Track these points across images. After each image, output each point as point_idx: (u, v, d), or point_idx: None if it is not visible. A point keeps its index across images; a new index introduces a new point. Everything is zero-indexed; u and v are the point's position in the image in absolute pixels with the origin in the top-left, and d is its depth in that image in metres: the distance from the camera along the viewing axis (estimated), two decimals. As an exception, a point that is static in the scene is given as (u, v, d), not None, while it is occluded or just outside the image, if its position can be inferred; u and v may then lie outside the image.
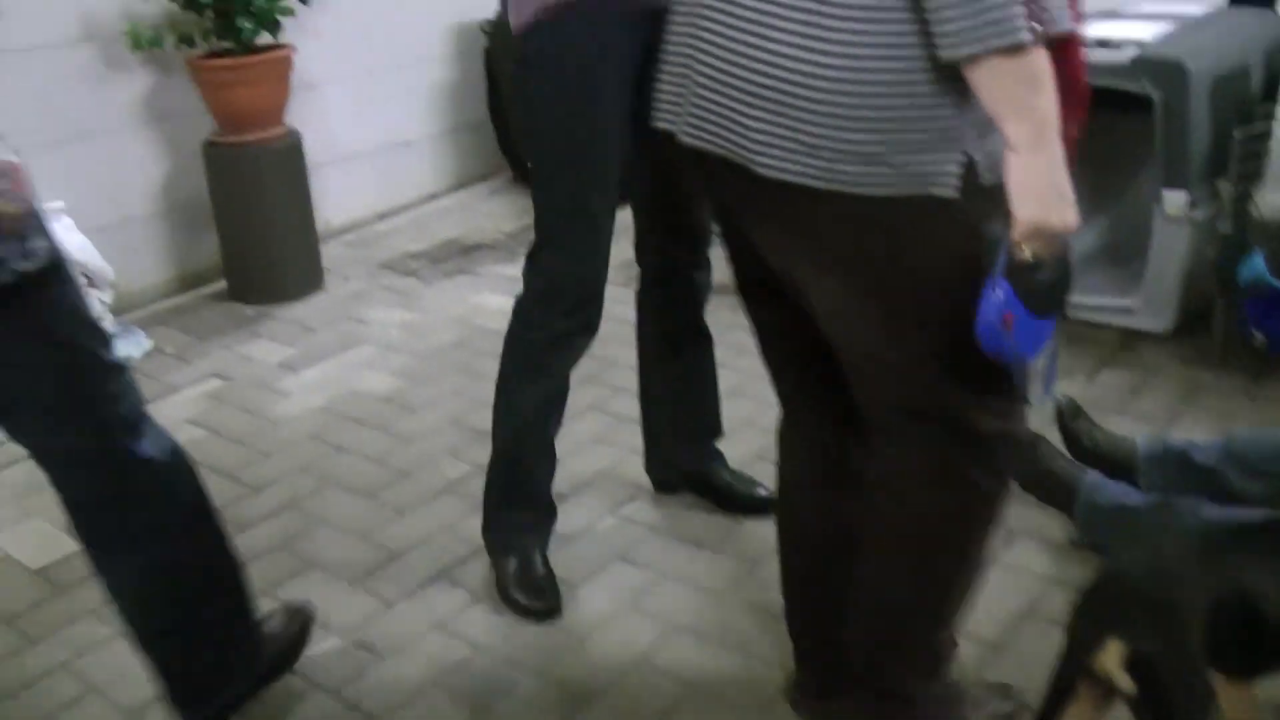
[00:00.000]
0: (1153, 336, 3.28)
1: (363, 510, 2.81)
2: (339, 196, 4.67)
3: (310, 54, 4.18)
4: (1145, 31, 3.28)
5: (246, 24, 3.84)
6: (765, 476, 2.68)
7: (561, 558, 2.50)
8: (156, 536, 1.87)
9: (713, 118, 1.49)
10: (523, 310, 2.32)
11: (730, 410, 2.73)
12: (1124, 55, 3.11)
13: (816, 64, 1.36)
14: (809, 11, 1.36)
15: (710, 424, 2.69)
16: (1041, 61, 1.30)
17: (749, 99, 1.43)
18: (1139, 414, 2.98)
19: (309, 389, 3.46)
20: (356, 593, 2.49)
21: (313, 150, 4.19)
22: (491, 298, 3.96)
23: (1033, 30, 1.27)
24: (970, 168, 1.38)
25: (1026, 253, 1.37)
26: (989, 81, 1.30)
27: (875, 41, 1.34)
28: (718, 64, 1.47)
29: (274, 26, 3.93)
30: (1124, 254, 3.49)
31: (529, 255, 2.28)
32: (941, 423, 1.59)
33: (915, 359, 1.55)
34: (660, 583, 2.46)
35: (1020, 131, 1.32)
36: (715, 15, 1.47)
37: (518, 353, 2.36)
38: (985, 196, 1.38)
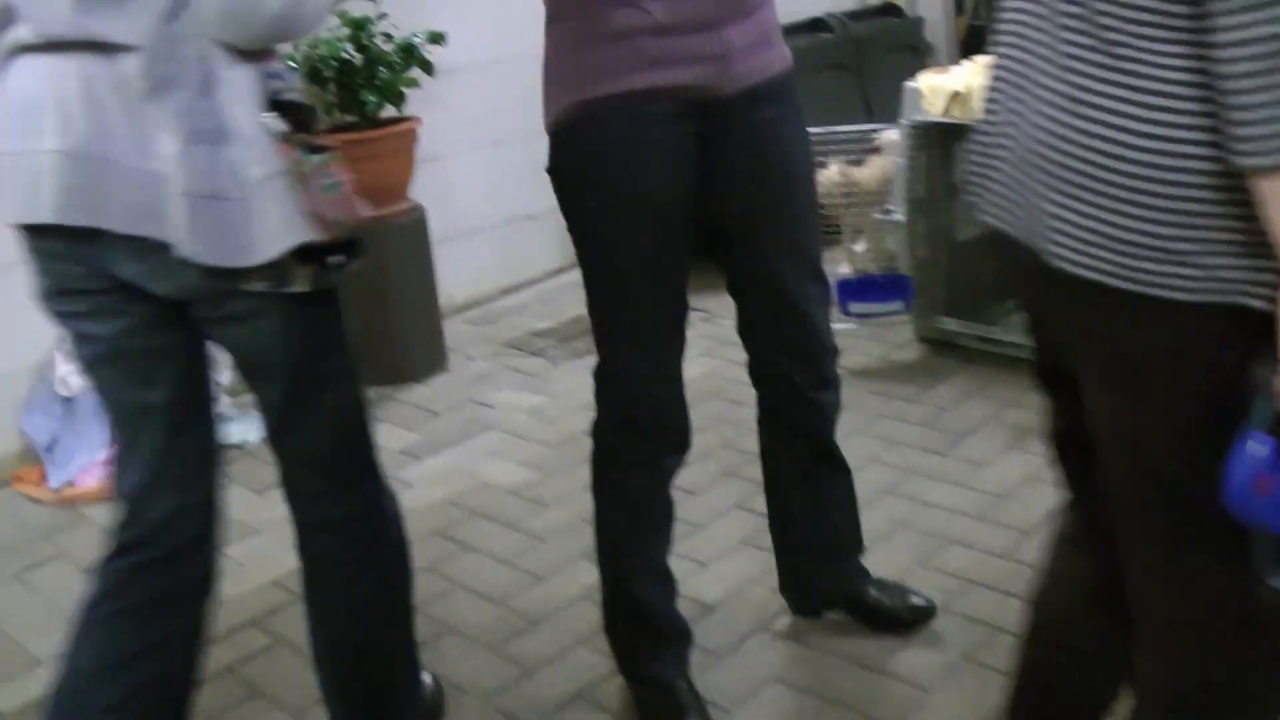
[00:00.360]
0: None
1: (492, 619, 2.61)
2: (462, 272, 4.52)
3: (434, 126, 4.05)
4: None
5: (371, 97, 3.74)
6: (924, 584, 2.46)
7: (710, 680, 2.28)
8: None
9: (1013, 197, 1.37)
10: (600, 437, 2.13)
11: (879, 512, 2.50)
12: None
13: (1127, 144, 1.21)
14: (1124, 87, 1.21)
15: (850, 541, 2.43)
16: None
17: (1050, 180, 1.29)
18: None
19: (433, 479, 3.29)
20: (486, 712, 2.28)
21: (436, 224, 4.05)
22: (622, 379, 3.75)
23: None
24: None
25: None
26: (1271, 204, 1.12)
27: (1195, 124, 1.16)
28: (1024, 140, 1.34)
29: (398, 99, 3.82)
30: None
31: (595, 376, 2.08)
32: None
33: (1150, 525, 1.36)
34: (823, 711, 2.21)
35: None
36: (1031, 88, 1.34)
37: (603, 482, 2.16)
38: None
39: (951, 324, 3.72)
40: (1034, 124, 1.32)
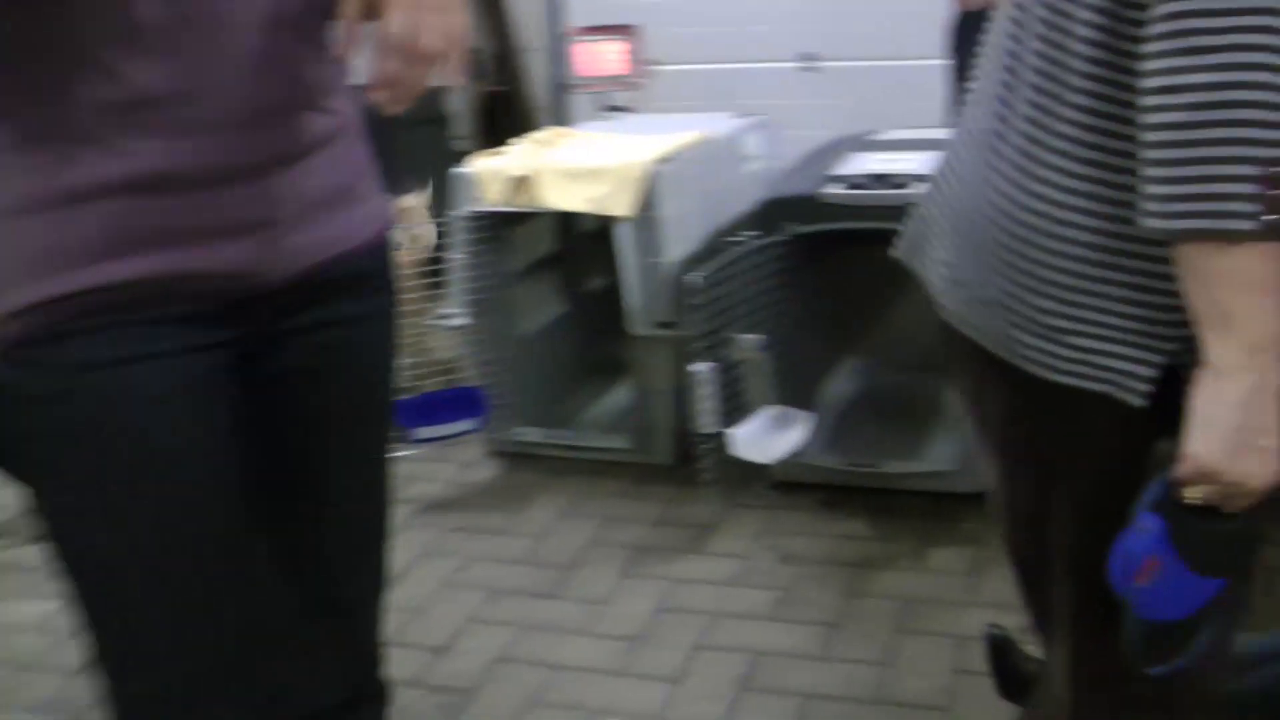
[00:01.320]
0: (965, 498, 2.87)
1: None
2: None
3: None
4: (912, 163, 2.89)
5: None
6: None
7: None
8: None
9: (923, 231, 1.31)
10: None
11: (503, 690, 2.02)
12: (912, 192, 2.69)
13: (1014, 202, 1.14)
14: (1030, 140, 1.12)
15: None
16: (1268, 263, 0.97)
17: (948, 223, 1.24)
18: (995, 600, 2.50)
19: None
20: None
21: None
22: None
23: (1261, 220, 0.94)
24: (1173, 376, 1.10)
25: (1192, 495, 1.07)
26: (1189, 272, 1.00)
27: (1087, 190, 1.09)
28: (945, 193, 1.26)
29: None
30: (918, 411, 3.11)
31: None
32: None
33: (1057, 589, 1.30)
34: None
35: (1219, 347, 1.01)
36: (956, 147, 1.26)
37: None
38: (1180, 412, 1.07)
39: (531, 433, 3.32)
40: (955, 176, 1.24)
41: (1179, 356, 1.10)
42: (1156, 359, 1.10)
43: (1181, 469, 1.06)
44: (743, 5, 5.10)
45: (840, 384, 3.23)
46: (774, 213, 2.85)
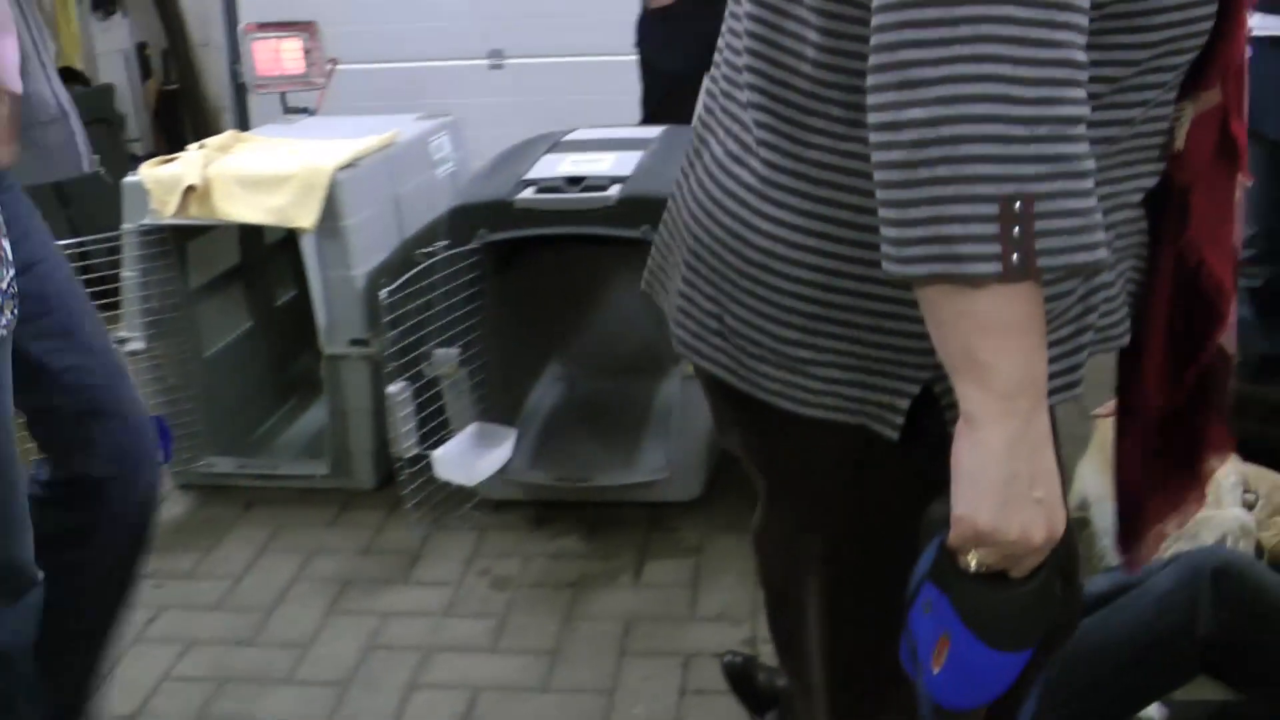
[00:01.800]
0: (681, 506, 2.83)
1: None
2: None
3: None
4: (606, 163, 2.83)
5: None
6: None
7: None
8: None
9: (660, 262, 1.24)
10: None
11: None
12: (608, 196, 2.63)
13: (750, 227, 1.06)
14: (766, 164, 1.05)
15: None
16: (1016, 305, 0.86)
17: (685, 250, 1.15)
18: (718, 613, 2.46)
19: None
20: None
21: None
22: None
23: (1007, 263, 0.83)
24: (929, 407, 1.03)
25: (972, 561, 0.94)
26: (932, 317, 0.90)
27: (822, 213, 1.01)
28: (677, 219, 1.19)
29: None
30: (627, 418, 3.05)
31: None
32: None
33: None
34: None
35: (972, 396, 0.89)
36: (689, 171, 1.17)
37: None
38: (945, 450, 0.94)
39: (222, 463, 3.08)
40: (690, 197, 1.15)
41: (934, 384, 1.02)
42: (910, 389, 1.03)
43: (954, 533, 0.93)
44: (427, 0, 4.95)
45: (544, 394, 3.14)
46: (465, 220, 2.72)
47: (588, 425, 3.03)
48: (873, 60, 0.86)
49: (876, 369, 1.03)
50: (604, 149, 2.96)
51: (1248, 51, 3.12)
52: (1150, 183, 1.06)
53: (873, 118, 0.87)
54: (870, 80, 0.86)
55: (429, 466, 2.65)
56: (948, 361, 0.90)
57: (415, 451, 2.65)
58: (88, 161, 1.71)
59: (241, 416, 3.21)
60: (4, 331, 1.46)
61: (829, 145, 1.00)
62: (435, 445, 2.65)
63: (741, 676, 2.13)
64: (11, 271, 1.47)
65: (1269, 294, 2.70)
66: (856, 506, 1.12)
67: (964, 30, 0.82)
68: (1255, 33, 2.80)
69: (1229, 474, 2.08)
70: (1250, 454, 2.26)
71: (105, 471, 1.78)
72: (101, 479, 1.79)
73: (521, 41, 4.92)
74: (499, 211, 2.69)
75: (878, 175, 0.87)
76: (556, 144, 3.08)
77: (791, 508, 1.18)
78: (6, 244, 1.46)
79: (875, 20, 0.86)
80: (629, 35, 3.97)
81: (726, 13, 1.13)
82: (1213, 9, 0.97)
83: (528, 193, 2.69)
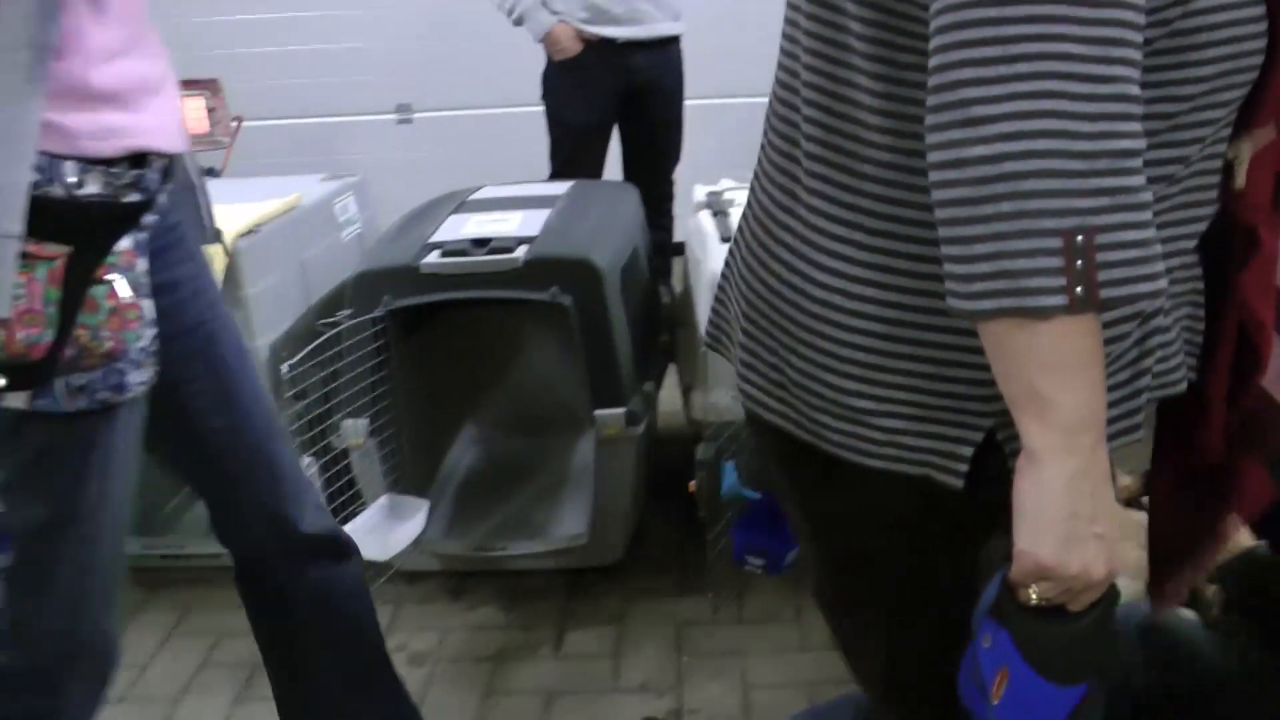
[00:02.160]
0: (602, 571, 2.77)
1: None
2: None
3: None
4: (513, 224, 2.77)
5: None
6: None
7: None
8: None
9: (721, 312, 1.27)
10: None
11: None
12: (515, 258, 2.57)
13: (806, 278, 1.07)
14: (817, 214, 1.06)
15: None
16: (1079, 339, 0.89)
17: (743, 301, 1.17)
18: (641, 683, 2.40)
19: None
20: None
21: None
22: None
23: (1072, 295, 0.86)
24: (992, 454, 1.04)
25: (1032, 595, 0.98)
26: (996, 353, 0.92)
27: (879, 263, 1.02)
28: (735, 271, 1.22)
29: None
30: (542, 481, 2.98)
31: None
32: None
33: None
34: None
35: (1034, 432, 0.92)
36: (746, 222, 1.20)
37: None
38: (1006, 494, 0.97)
39: (128, 544, 2.96)
40: (746, 250, 1.18)
41: (997, 432, 1.03)
42: (973, 436, 1.04)
43: (1015, 568, 0.97)
44: (332, 54, 4.88)
45: (459, 459, 3.06)
46: (370, 286, 2.65)
47: (504, 490, 2.96)
48: (932, 100, 0.88)
49: (938, 418, 1.04)
50: (510, 208, 2.90)
51: None
52: (1204, 226, 1.07)
53: (933, 156, 0.88)
54: (930, 120, 0.88)
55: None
56: (1011, 398, 0.92)
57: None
58: (212, 233, 1.75)
59: (148, 494, 3.10)
60: (144, 388, 1.50)
61: (883, 193, 1.02)
62: (346, 520, 2.57)
63: None
64: (153, 331, 1.51)
65: None
66: (919, 556, 1.14)
67: (1022, 67, 0.84)
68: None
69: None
70: None
71: None
72: None
73: (430, 95, 4.87)
74: (404, 277, 2.62)
75: (939, 213, 0.89)
76: (463, 204, 3.02)
77: (851, 559, 1.20)
78: (149, 305, 1.50)
79: (933, 60, 0.87)
80: (537, 86, 3.93)
81: (780, 67, 1.13)
82: (1263, 42, 0.97)
83: (433, 257, 2.63)
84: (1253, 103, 1.01)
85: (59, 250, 1.38)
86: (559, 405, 3.07)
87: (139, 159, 1.48)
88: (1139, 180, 0.87)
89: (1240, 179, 1.06)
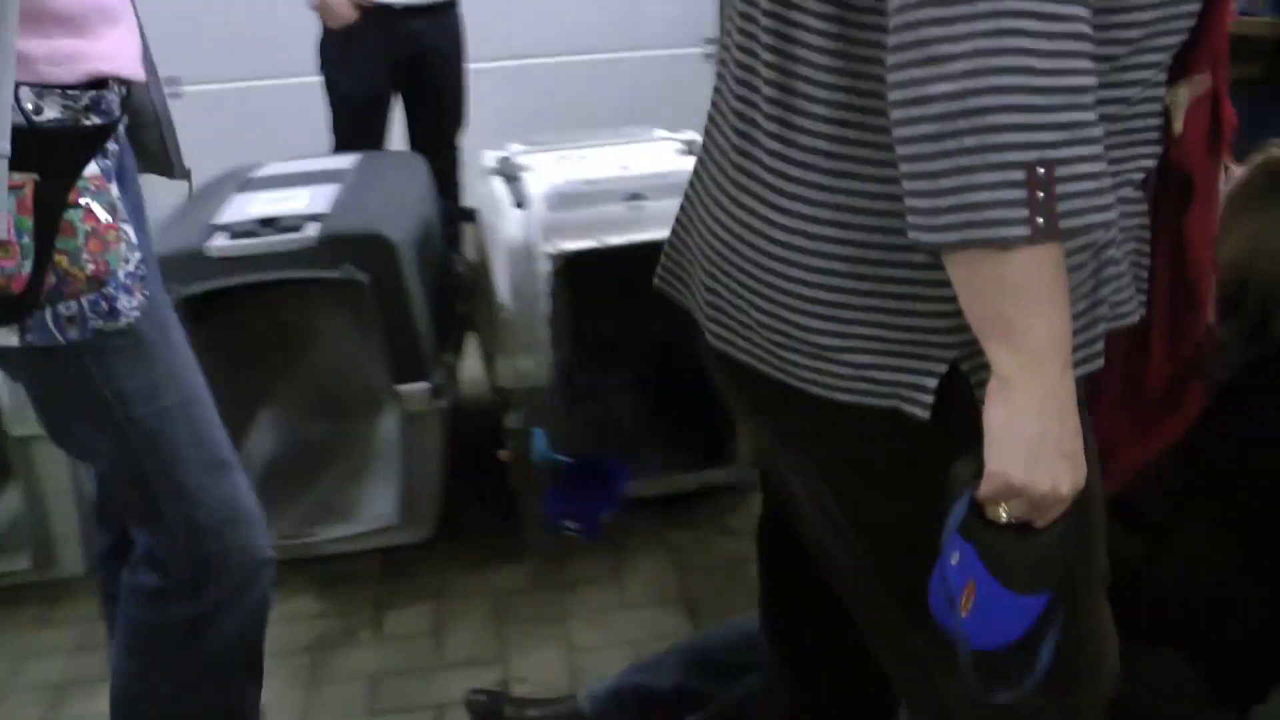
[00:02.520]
0: (416, 548, 2.73)
1: None
2: None
3: None
4: (301, 201, 2.69)
5: None
6: None
7: None
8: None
9: (679, 259, 1.29)
10: None
11: None
12: (307, 236, 2.50)
13: (767, 221, 1.10)
14: (774, 155, 1.09)
15: None
16: (1044, 268, 0.93)
17: (706, 246, 1.19)
18: (466, 658, 2.39)
19: None
20: None
21: None
22: None
23: (1035, 225, 0.90)
24: (956, 381, 1.07)
25: (1001, 512, 1.03)
26: (963, 283, 0.96)
27: (838, 202, 1.05)
28: (698, 212, 1.22)
29: None
30: (348, 463, 2.93)
31: None
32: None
33: (871, 612, 1.28)
34: None
35: (1004, 358, 0.97)
36: (703, 165, 1.23)
37: None
38: (975, 421, 1.01)
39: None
40: (705, 194, 1.19)
41: (961, 362, 1.06)
42: (938, 368, 1.07)
43: (985, 488, 1.01)
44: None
45: (259, 446, 2.97)
46: (155, 276, 2.54)
47: (309, 475, 2.89)
48: (894, 40, 0.90)
49: (903, 351, 1.06)
50: (297, 184, 2.82)
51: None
52: (1149, 164, 1.12)
53: (895, 94, 0.91)
54: (892, 59, 0.90)
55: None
56: (979, 327, 0.96)
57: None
58: (179, 169, 1.71)
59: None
60: (137, 313, 1.48)
61: (836, 133, 1.03)
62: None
63: (489, 715, 2.08)
64: (139, 254, 1.49)
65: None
66: (892, 484, 1.16)
67: (982, 6, 0.86)
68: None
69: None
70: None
71: None
72: None
73: (199, 67, 4.67)
74: (191, 262, 2.52)
75: (901, 150, 0.91)
76: (246, 182, 2.92)
77: (835, 491, 1.21)
78: (130, 229, 1.48)
79: (892, 2, 0.90)
80: (313, 56, 3.82)
81: (737, 12, 1.14)
82: None
83: (220, 239, 2.53)
84: (1189, 50, 1.07)
85: (24, 178, 1.33)
86: (359, 384, 3.02)
87: (97, 85, 1.44)
88: (1092, 115, 0.90)
89: (1177, 125, 1.12)
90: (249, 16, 4.55)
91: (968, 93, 0.87)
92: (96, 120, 1.43)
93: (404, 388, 2.57)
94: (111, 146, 1.48)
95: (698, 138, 3.09)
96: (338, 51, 3.75)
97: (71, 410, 1.55)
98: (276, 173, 3.01)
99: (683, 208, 1.29)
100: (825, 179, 1.05)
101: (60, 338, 1.43)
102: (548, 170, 2.86)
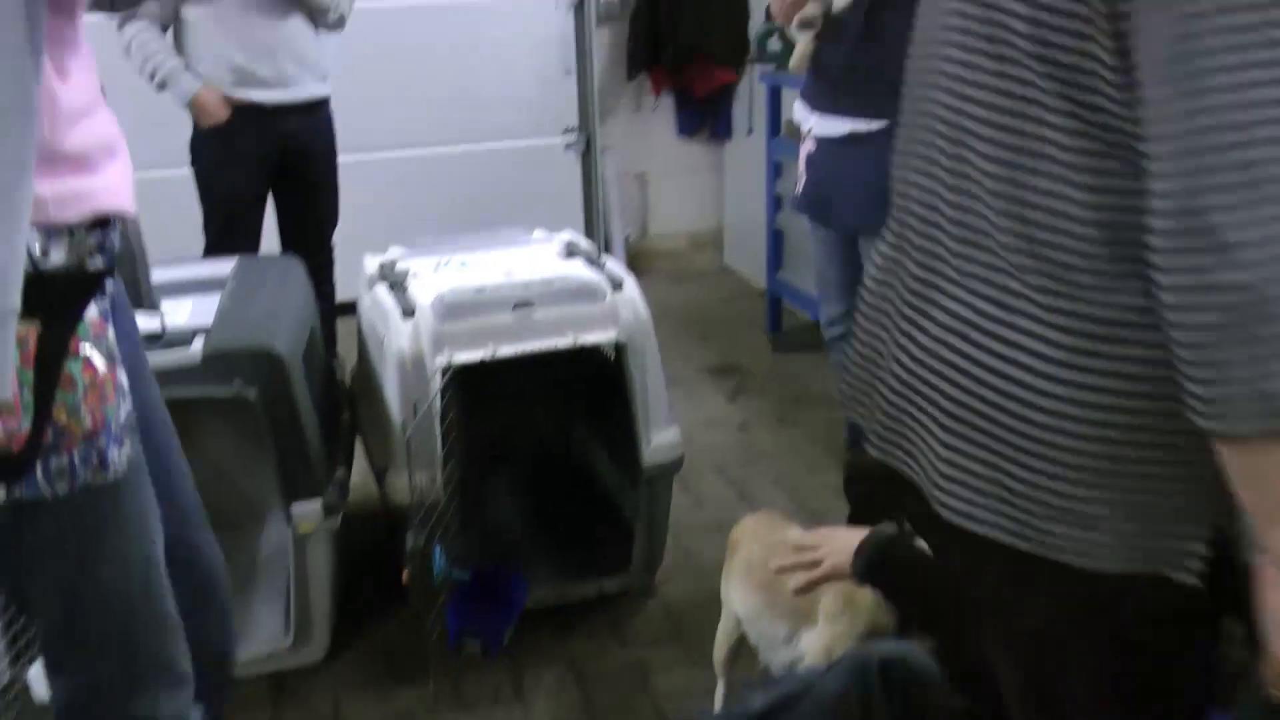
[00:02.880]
0: (308, 670, 2.65)
1: None
2: None
3: None
4: (184, 312, 2.62)
5: None
6: None
7: None
8: None
9: (898, 428, 1.21)
10: None
11: None
12: (193, 352, 2.43)
13: (1031, 386, 1.05)
14: (1029, 317, 1.05)
15: None
16: None
17: (940, 414, 1.13)
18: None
19: None
20: None
21: None
22: None
23: None
24: (1223, 549, 1.04)
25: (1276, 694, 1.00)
26: (1246, 469, 0.93)
27: (1112, 369, 1.02)
28: (907, 361, 1.18)
29: None
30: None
31: None
32: None
33: None
34: None
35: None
36: (908, 311, 1.18)
37: None
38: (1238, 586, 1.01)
39: None
40: (921, 345, 1.15)
41: (1227, 528, 1.04)
42: (1206, 532, 1.04)
43: (1266, 668, 0.99)
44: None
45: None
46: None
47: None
48: (1168, 223, 0.88)
49: (1172, 516, 1.04)
50: (177, 294, 2.73)
51: (810, 147, 3.27)
52: None
53: (1171, 279, 0.89)
54: (1165, 241, 0.89)
55: (27, 690, 2.33)
56: (1255, 509, 0.93)
57: (8, 676, 2.32)
58: (149, 301, 1.72)
59: None
60: (125, 466, 1.44)
61: (1106, 300, 1.01)
62: (31, 662, 2.34)
63: None
64: (129, 403, 1.46)
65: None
66: (1139, 652, 1.13)
67: (1272, 190, 0.84)
68: (816, 133, 2.97)
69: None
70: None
71: None
72: None
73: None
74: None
75: (1180, 335, 0.90)
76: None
77: (1070, 663, 1.17)
78: (123, 375, 1.44)
79: (1165, 183, 0.89)
80: (184, 153, 3.74)
81: (915, 153, 1.15)
82: None
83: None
84: None
85: (27, 328, 1.29)
86: (240, 499, 2.93)
87: (101, 222, 1.40)
88: None
89: None
90: (119, 111, 4.43)
91: (1265, 282, 0.85)
92: (100, 262, 1.40)
93: (296, 506, 2.50)
94: (109, 284, 1.44)
95: (576, 238, 3.13)
96: (210, 151, 3.67)
97: (35, 560, 1.48)
98: (155, 281, 2.91)
99: (869, 366, 1.26)
100: (1096, 345, 1.03)
101: (48, 492, 1.37)
102: (432, 277, 2.83)
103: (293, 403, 2.46)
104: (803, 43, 2.71)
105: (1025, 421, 1.07)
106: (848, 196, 2.74)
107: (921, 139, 1.16)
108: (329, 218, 3.95)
